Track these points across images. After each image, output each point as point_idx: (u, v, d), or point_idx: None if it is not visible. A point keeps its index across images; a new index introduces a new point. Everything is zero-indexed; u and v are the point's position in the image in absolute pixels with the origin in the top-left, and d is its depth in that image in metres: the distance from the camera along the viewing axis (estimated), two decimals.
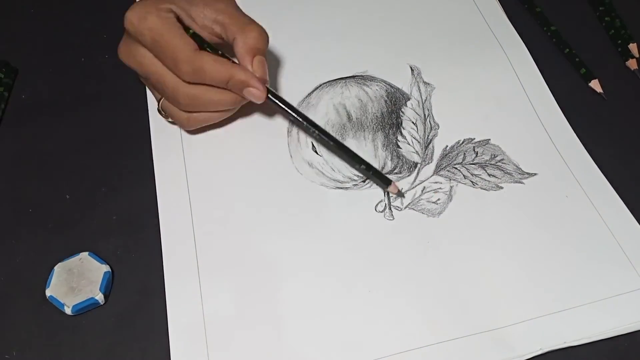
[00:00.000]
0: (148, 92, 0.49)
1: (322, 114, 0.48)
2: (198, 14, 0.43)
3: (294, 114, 0.44)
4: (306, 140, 0.47)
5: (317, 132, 0.44)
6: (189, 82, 0.41)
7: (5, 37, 0.54)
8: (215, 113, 0.44)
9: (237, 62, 0.43)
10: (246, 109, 0.47)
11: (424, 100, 0.49)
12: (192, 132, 0.47)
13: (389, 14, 0.55)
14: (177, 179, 0.45)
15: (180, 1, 0.42)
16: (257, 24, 0.43)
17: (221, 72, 0.41)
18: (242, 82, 0.41)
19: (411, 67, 0.51)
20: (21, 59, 0.52)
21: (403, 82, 0.50)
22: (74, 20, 0.55)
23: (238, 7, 0.44)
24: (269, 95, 0.43)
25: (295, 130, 0.48)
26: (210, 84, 0.41)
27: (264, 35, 0.42)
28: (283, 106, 0.43)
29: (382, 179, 0.43)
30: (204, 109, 0.43)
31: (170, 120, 0.46)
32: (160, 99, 0.44)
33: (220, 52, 0.43)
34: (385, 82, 0.50)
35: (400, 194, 0.44)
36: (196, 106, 0.43)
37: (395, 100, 0.49)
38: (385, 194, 0.44)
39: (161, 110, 0.45)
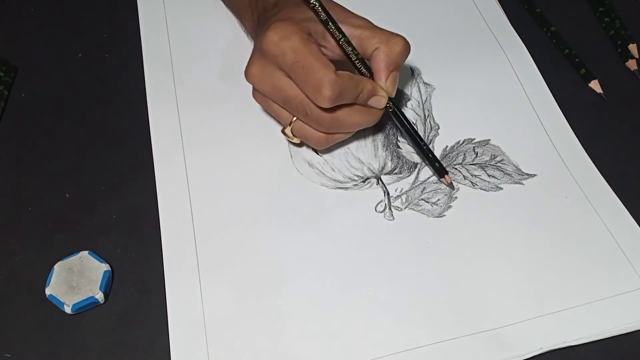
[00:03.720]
0: (148, 92, 0.49)
1: None
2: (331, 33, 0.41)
3: (410, 129, 0.44)
4: None
5: (425, 146, 0.44)
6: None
7: (5, 36, 0.54)
8: (349, 132, 0.44)
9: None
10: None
11: (424, 101, 0.49)
12: (194, 134, 0.46)
13: (388, 15, 0.54)
14: (178, 178, 0.45)
15: (315, 22, 0.41)
16: (402, 36, 0.42)
17: (356, 88, 0.40)
18: (369, 92, 0.41)
19: (411, 68, 0.51)
20: (21, 57, 0.52)
21: (403, 82, 0.50)
22: (74, 20, 0.55)
23: (374, 24, 0.43)
24: (388, 105, 0.43)
25: None
26: (346, 102, 0.41)
27: (408, 47, 0.42)
28: (401, 118, 0.44)
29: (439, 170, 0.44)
30: (343, 130, 0.43)
31: (295, 141, 0.45)
32: (291, 121, 0.43)
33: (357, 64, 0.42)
34: None
35: (451, 186, 0.44)
36: (337, 128, 0.42)
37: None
38: (385, 194, 0.44)
39: (289, 133, 0.44)
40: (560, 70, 0.51)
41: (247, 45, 0.52)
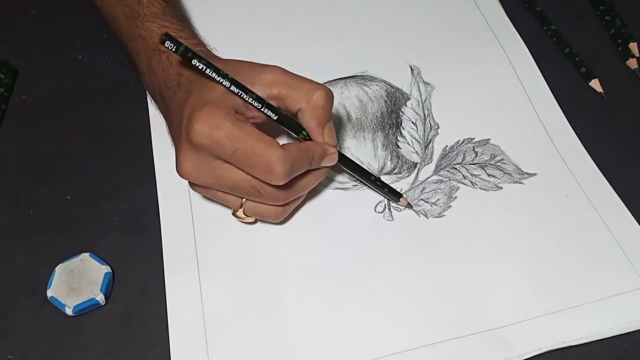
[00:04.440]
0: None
1: None
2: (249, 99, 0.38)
3: (359, 176, 0.43)
4: None
5: (378, 184, 0.43)
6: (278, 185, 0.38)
7: (5, 38, 0.54)
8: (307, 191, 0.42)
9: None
10: None
11: (423, 100, 0.49)
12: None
13: (389, 14, 0.55)
14: (178, 179, 0.45)
15: (231, 95, 0.37)
16: (321, 85, 0.39)
17: (307, 157, 0.38)
18: (319, 156, 0.39)
19: (411, 67, 0.51)
20: (21, 59, 0.52)
21: (403, 82, 0.50)
22: (74, 20, 0.55)
23: (288, 72, 0.39)
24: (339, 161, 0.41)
25: None
26: (299, 173, 0.38)
27: (330, 96, 0.39)
28: (348, 168, 0.43)
29: (393, 193, 0.43)
30: (300, 194, 0.41)
31: (249, 221, 0.42)
32: (241, 203, 0.40)
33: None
34: (385, 82, 0.50)
35: (409, 206, 0.44)
36: (293, 196, 0.40)
37: (395, 100, 0.49)
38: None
39: (241, 215, 0.41)
40: (560, 69, 0.51)
41: (248, 45, 0.52)
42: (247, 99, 0.37)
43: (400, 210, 0.44)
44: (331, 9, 0.55)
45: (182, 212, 0.44)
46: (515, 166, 0.45)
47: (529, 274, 0.40)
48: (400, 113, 0.48)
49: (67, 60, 0.52)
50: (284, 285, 0.40)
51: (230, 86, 0.37)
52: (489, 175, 0.45)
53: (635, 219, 0.43)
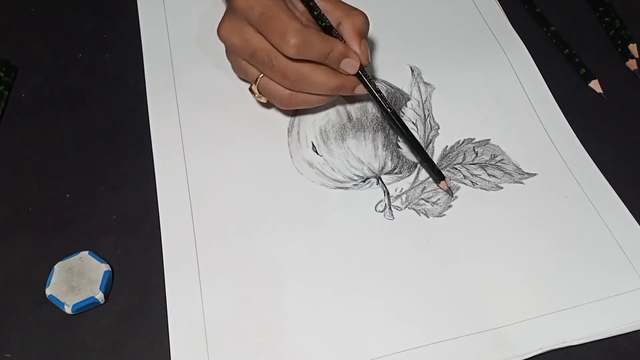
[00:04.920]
0: (148, 92, 0.49)
1: (322, 114, 0.48)
2: (298, 1, 0.44)
3: (378, 98, 0.44)
4: (306, 140, 0.47)
5: (396, 122, 0.44)
6: (293, 59, 0.42)
7: (5, 36, 0.54)
8: (314, 96, 0.44)
9: None
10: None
11: (424, 101, 0.49)
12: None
13: (389, 15, 0.55)
14: (178, 177, 0.45)
15: None
16: (361, 10, 0.44)
17: (325, 45, 0.41)
18: (341, 54, 0.42)
19: (411, 68, 0.51)
20: (21, 58, 0.52)
21: (403, 82, 0.50)
22: (74, 20, 0.55)
23: None
24: (360, 72, 0.44)
25: (295, 130, 0.48)
26: (313, 58, 0.42)
27: (367, 20, 0.44)
28: (370, 87, 0.44)
29: (436, 174, 0.44)
30: (308, 90, 0.44)
31: (262, 100, 0.46)
32: (257, 78, 0.44)
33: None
34: (385, 82, 0.50)
35: (449, 192, 0.44)
36: (301, 85, 0.43)
37: (395, 101, 0.49)
38: (385, 193, 0.44)
39: (255, 90, 0.45)
40: (560, 70, 0.51)
41: None
42: None
43: (401, 209, 0.43)
44: None
45: (182, 211, 0.43)
46: (516, 166, 0.45)
47: (529, 273, 0.40)
48: (401, 113, 0.48)
49: (66, 58, 0.52)
50: (284, 285, 0.40)
51: None
52: (489, 175, 0.45)
53: (635, 219, 0.43)
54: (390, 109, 0.44)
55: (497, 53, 0.52)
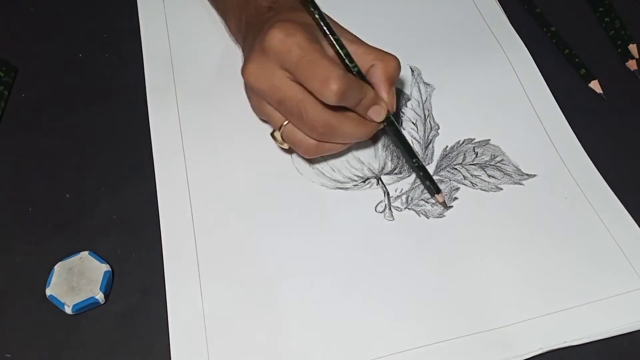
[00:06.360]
0: (148, 92, 0.49)
1: None
2: (327, 45, 0.41)
3: (402, 149, 0.43)
4: None
5: (420, 172, 0.44)
6: (329, 108, 0.39)
7: (5, 36, 0.54)
8: (340, 145, 0.43)
9: None
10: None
11: (424, 101, 0.49)
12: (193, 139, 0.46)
13: (389, 15, 0.55)
14: (178, 178, 0.45)
15: (314, 29, 0.40)
16: (394, 55, 0.42)
17: (361, 92, 0.40)
18: (371, 101, 0.40)
19: (411, 68, 0.51)
20: (21, 58, 0.52)
21: (403, 82, 0.50)
22: (73, 20, 0.55)
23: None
24: (388, 120, 0.42)
25: None
26: (349, 105, 0.40)
27: (399, 66, 0.41)
28: (397, 137, 0.43)
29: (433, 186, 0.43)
30: (335, 140, 0.42)
31: (284, 147, 0.44)
32: (282, 125, 0.42)
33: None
34: None
35: (444, 205, 0.44)
36: (329, 136, 0.41)
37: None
38: (385, 194, 0.44)
39: (278, 137, 0.43)
40: (560, 70, 0.51)
41: None
42: (331, 39, 0.40)
43: (401, 210, 0.44)
44: (331, 10, 0.55)
45: (182, 211, 0.43)
46: (515, 167, 0.45)
47: (529, 274, 0.41)
48: (401, 113, 0.48)
49: (66, 58, 0.52)
50: (284, 285, 0.40)
51: (321, 22, 0.40)
52: (489, 175, 0.45)
53: (634, 220, 0.43)
54: (415, 158, 0.43)
55: (497, 53, 0.52)
